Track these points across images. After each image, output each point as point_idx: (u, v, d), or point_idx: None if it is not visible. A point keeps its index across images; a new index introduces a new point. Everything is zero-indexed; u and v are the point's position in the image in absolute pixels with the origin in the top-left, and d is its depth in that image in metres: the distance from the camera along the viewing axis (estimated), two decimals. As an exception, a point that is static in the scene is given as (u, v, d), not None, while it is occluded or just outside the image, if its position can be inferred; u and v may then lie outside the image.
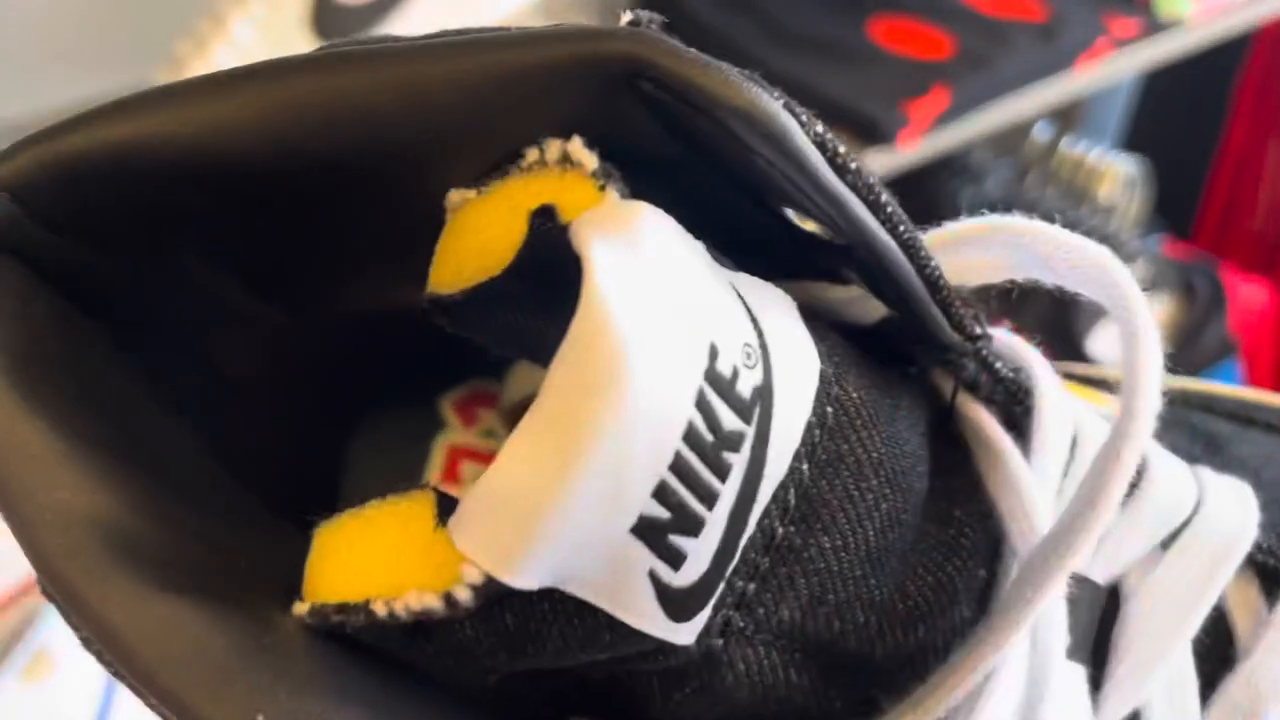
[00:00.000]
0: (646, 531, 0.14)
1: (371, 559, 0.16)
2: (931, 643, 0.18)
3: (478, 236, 0.17)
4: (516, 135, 0.16)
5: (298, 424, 0.22)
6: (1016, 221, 0.19)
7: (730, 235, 0.17)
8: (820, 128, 0.16)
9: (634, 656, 0.16)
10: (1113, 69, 0.76)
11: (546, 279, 0.16)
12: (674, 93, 0.15)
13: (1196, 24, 0.78)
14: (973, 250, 0.19)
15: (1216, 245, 1.12)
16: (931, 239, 0.19)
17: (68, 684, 0.55)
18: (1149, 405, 0.17)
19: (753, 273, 0.17)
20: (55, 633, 0.56)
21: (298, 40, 0.54)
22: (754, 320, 0.16)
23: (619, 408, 0.13)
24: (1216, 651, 0.20)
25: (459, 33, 0.16)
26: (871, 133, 0.66)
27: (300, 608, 0.16)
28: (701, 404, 0.14)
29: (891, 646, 0.18)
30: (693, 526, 0.15)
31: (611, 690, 0.17)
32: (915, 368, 0.20)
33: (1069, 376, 0.25)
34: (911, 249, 0.17)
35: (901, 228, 0.17)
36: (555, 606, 0.15)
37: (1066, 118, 1.05)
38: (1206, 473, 0.21)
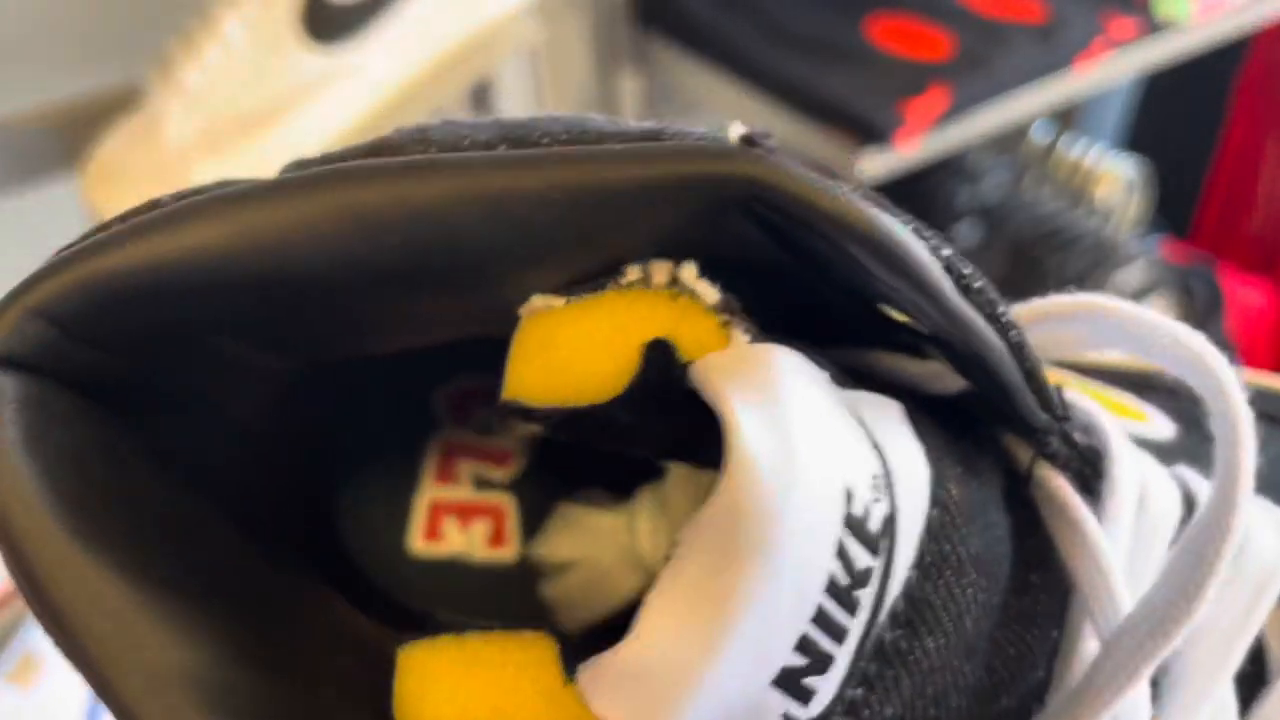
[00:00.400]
0: (784, 680, 0.14)
1: (484, 701, 0.15)
2: (1011, 708, 0.18)
3: (573, 353, 0.16)
4: (614, 248, 0.16)
5: (298, 449, 0.21)
6: (1108, 301, 0.19)
7: (806, 311, 0.17)
8: (948, 250, 0.15)
9: None
10: (1111, 70, 0.76)
11: (660, 408, 0.16)
12: (793, 217, 0.14)
13: (1195, 25, 0.77)
14: (1059, 325, 0.20)
15: (1215, 246, 1.12)
16: (1019, 312, 0.20)
17: (56, 688, 0.55)
18: (1245, 497, 0.17)
19: (827, 344, 0.16)
20: (41, 637, 0.55)
21: (289, 40, 0.53)
22: (877, 447, 0.15)
23: (769, 576, 0.13)
24: (1251, 671, 0.20)
25: (556, 136, 0.15)
26: (868, 133, 0.66)
27: None
28: (840, 552, 0.14)
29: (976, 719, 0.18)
30: (825, 666, 0.14)
31: None
32: (985, 429, 0.19)
33: (1095, 372, 0.26)
34: (1018, 349, 0.17)
35: (1013, 333, 0.16)
36: None
37: (1065, 118, 1.05)
38: None
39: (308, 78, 0.54)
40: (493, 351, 0.22)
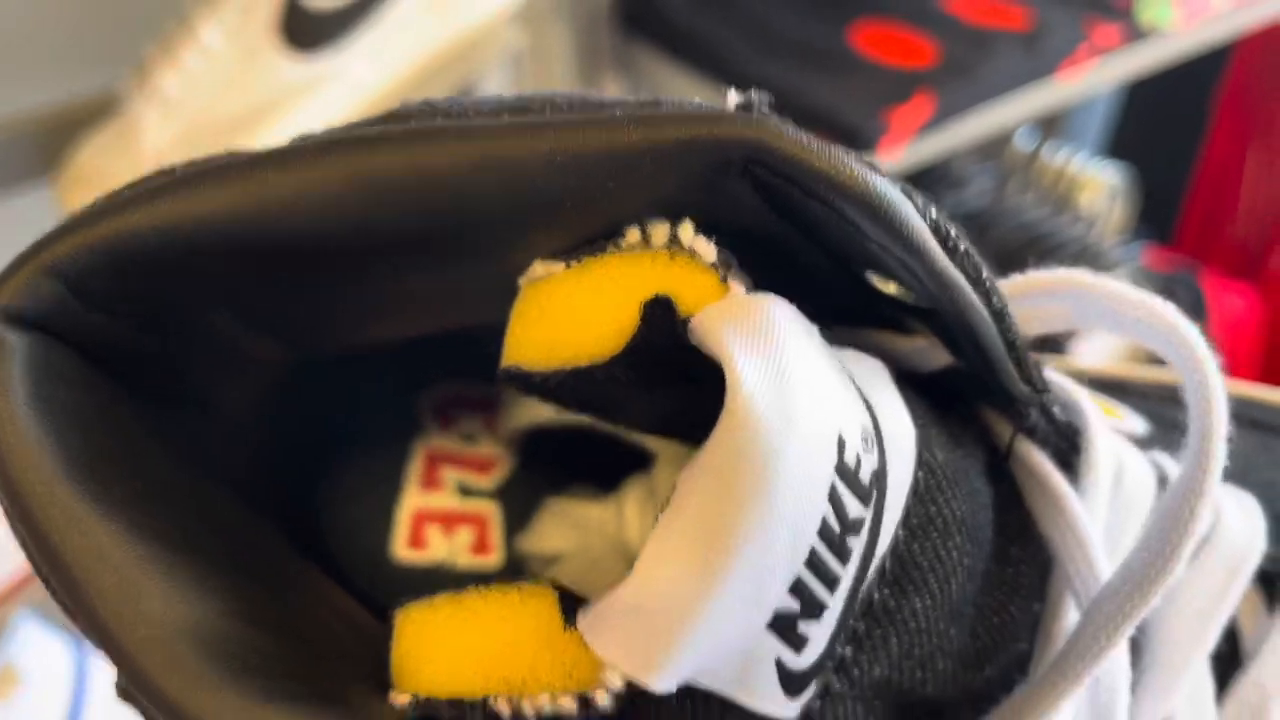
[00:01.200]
0: (779, 624, 0.14)
1: (483, 652, 0.16)
2: (995, 678, 0.19)
3: (572, 315, 0.17)
4: (614, 212, 0.16)
5: (284, 447, 0.21)
6: (1086, 276, 0.20)
7: (797, 285, 0.17)
8: (935, 211, 0.16)
9: None
10: (1095, 77, 0.76)
11: (659, 366, 0.16)
12: (790, 179, 0.15)
13: (1178, 32, 0.78)
14: (1039, 300, 0.20)
15: (1198, 251, 1.13)
16: (1003, 288, 0.20)
17: (33, 701, 0.54)
18: (1218, 464, 0.18)
19: (817, 320, 0.17)
20: (20, 649, 0.55)
21: (268, 47, 0.53)
22: (867, 403, 0.16)
23: (766, 516, 0.14)
24: (1226, 652, 0.21)
25: (557, 105, 0.16)
26: (852, 140, 0.66)
27: (400, 698, 0.16)
28: (833, 497, 0.14)
29: (962, 686, 0.19)
30: (818, 612, 0.15)
31: None
32: (967, 407, 0.20)
33: (1078, 376, 0.26)
34: (1000, 316, 0.17)
35: (996, 298, 0.17)
36: (669, 696, 0.15)
37: (1048, 125, 1.05)
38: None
39: (286, 85, 0.53)
40: (477, 356, 0.22)
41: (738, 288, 0.15)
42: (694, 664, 0.14)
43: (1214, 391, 0.18)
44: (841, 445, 0.15)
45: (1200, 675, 0.21)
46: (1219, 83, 1.12)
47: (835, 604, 0.15)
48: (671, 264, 0.16)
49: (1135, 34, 0.76)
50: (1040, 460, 0.20)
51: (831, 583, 0.15)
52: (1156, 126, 1.15)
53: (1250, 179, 1.12)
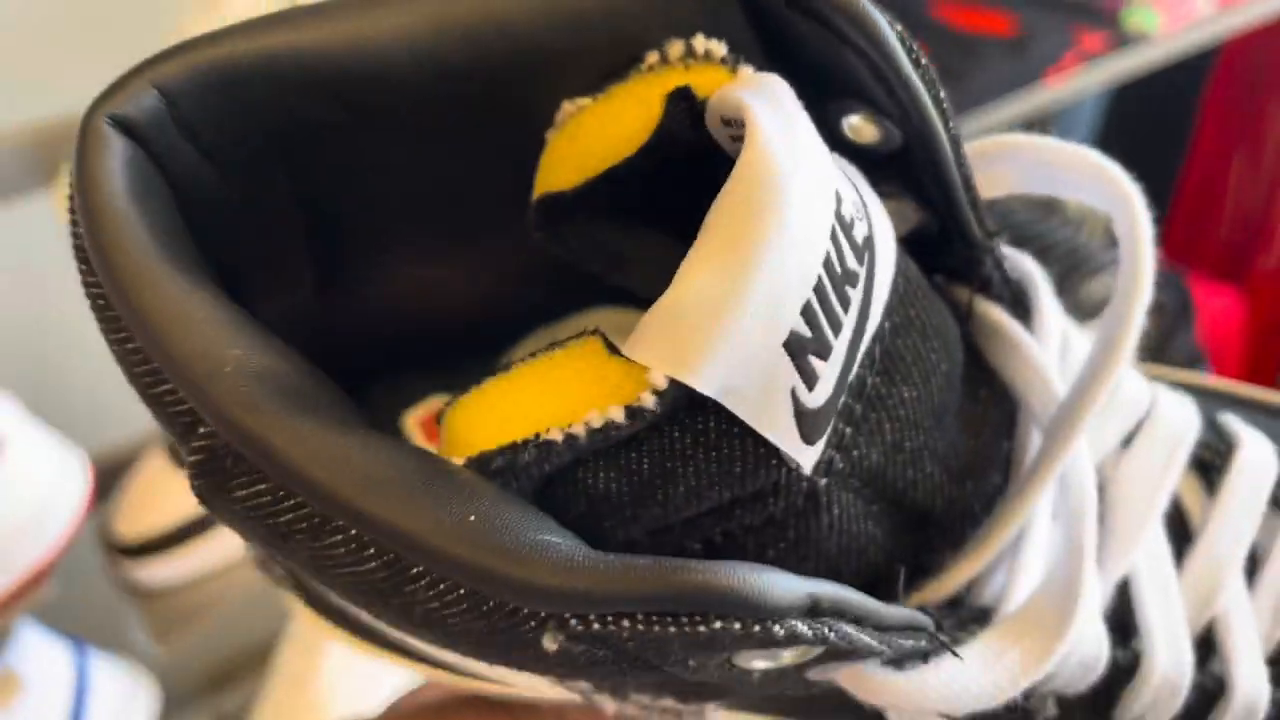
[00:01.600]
0: (794, 347, 0.16)
1: (533, 403, 0.17)
2: (975, 503, 0.21)
3: (601, 133, 0.19)
4: (635, 44, 0.18)
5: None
6: (1019, 137, 0.22)
7: None
8: (900, 26, 0.18)
9: (748, 501, 0.17)
10: (1082, 82, 0.76)
11: (676, 162, 0.18)
12: None
13: (1164, 38, 0.78)
14: (982, 166, 0.22)
15: (1185, 254, 1.13)
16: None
17: (34, 707, 0.54)
18: (1148, 275, 0.21)
19: None
20: (21, 655, 0.55)
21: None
22: (853, 183, 0.18)
23: (781, 228, 0.15)
24: (1179, 531, 0.24)
25: None
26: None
27: (458, 460, 0.16)
28: (834, 238, 0.16)
29: (947, 501, 0.20)
30: (825, 350, 0.16)
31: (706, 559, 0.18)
32: (932, 281, 0.22)
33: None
34: (956, 144, 0.19)
35: (951, 123, 0.19)
36: (695, 439, 0.16)
37: (1036, 130, 1.06)
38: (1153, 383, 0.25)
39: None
40: (463, 372, 0.23)
41: (747, 68, 0.18)
42: (725, 369, 0.15)
43: (1140, 218, 0.21)
44: (839, 199, 0.16)
45: (1158, 543, 0.23)
46: (1205, 87, 1.12)
47: (839, 349, 0.17)
48: (687, 72, 0.18)
49: (1121, 39, 0.77)
50: (998, 314, 0.22)
51: (836, 325, 0.16)
52: (1143, 130, 1.16)
53: (1236, 182, 1.12)
